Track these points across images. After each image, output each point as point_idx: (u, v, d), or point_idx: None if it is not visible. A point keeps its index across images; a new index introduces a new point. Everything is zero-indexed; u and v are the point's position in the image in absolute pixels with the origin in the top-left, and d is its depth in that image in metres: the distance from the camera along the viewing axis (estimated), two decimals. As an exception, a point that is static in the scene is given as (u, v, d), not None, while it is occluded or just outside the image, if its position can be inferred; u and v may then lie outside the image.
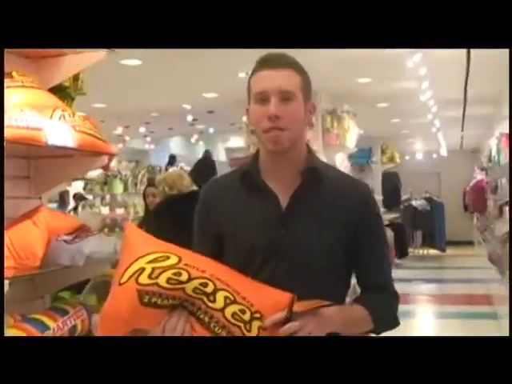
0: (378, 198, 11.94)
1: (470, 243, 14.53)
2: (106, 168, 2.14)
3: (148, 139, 12.84)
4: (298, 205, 1.66)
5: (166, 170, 8.24)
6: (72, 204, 8.90)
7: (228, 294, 1.42)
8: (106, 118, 8.40)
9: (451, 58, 5.86)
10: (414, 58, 5.77)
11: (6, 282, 1.70)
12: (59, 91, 2.29)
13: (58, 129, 1.81)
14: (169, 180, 4.07)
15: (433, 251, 14.25)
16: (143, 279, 1.38)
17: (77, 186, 7.98)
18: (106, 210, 7.36)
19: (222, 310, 1.41)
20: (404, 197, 14.41)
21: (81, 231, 2.04)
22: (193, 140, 12.56)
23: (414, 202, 14.47)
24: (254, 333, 1.42)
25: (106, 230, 4.71)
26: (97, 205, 7.47)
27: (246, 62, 1.74)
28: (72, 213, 7.83)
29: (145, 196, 5.00)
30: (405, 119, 10.76)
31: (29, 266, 1.87)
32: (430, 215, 14.19)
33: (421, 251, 14.39)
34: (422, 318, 7.75)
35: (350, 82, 7.22)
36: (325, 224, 1.65)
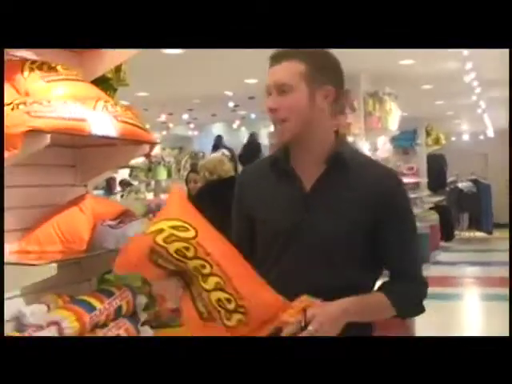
0: (424, 180, 11.84)
1: (517, 225, 14.29)
2: (147, 156, 2.23)
3: (191, 126, 13.01)
4: (320, 190, 1.69)
5: (215, 151, 8.40)
6: (118, 190, 9.12)
7: (220, 281, 1.51)
8: (149, 106, 8.57)
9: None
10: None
11: (55, 265, 1.79)
12: (102, 82, 2.38)
13: (101, 119, 1.90)
14: (209, 166, 4.16)
15: (479, 234, 14.06)
16: (159, 239, 1.52)
17: (123, 173, 8.18)
18: (150, 196, 7.54)
19: (210, 292, 1.51)
20: (450, 179, 14.22)
21: (125, 216, 2.13)
22: (235, 126, 12.67)
23: (459, 185, 14.27)
24: (231, 323, 1.51)
25: (151, 215, 4.84)
26: (142, 190, 7.64)
27: (284, 47, 1.79)
28: (118, 198, 8.03)
29: (187, 182, 5.11)
30: (449, 101, 10.61)
31: (76, 249, 1.96)
32: (476, 197, 13.99)
33: (467, 234, 14.20)
34: (467, 301, 7.69)
35: (391, 64, 7.16)
36: (346, 210, 1.67)
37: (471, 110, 11.34)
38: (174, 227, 1.53)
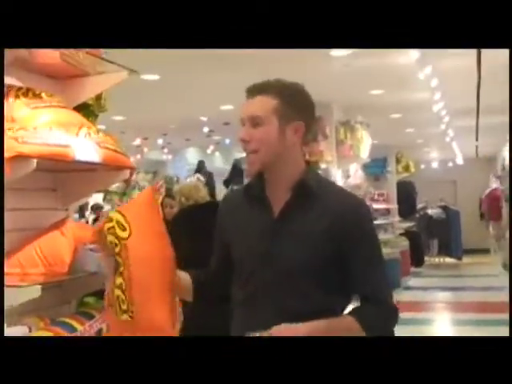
0: (394, 206, 12.03)
1: (486, 251, 14.51)
2: (127, 181, 2.30)
3: (165, 150, 13.04)
4: (287, 217, 1.76)
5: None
6: (90, 214, 9.07)
7: (123, 283, 1.67)
8: (125, 130, 8.61)
9: (462, 68, 5.96)
10: (425, 70, 5.88)
11: (39, 287, 1.84)
12: (83, 109, 2.44)
13: (84, 146, 1.96)
14: (185, 191, 4.21)
15: (449, 259, 14.25)
16: (105, 226, 1.70)
17: (96, 197, 8.17)
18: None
19: (115, 287, 1.69)
20: (419, 205, 14.44)
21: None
22: (209, 151, 12.73)
23: (429, 211, 14.49)
24: (120, 319, 1.68)
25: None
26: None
27: (261, 75, 1.87)
28: (90, 222, 8.01)
29: (162, 206, 5.14)
30: (419, 129, 10.84)
31: (58, 272, 2.00)
32: (445, 223, 14.19)
33: (437, 259, 14.39)
34: (439, 326, 7.80)
35: (362, 94, 7.34)
36: (310, 236, 1.73)
37: (440, 138, 11.59)
38: (117, 222, 1.69)
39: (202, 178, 7.62)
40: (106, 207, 8.62)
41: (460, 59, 5.67)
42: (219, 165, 14.10)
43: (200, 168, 9.62)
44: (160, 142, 11.77)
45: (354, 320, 1.71)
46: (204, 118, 9.05)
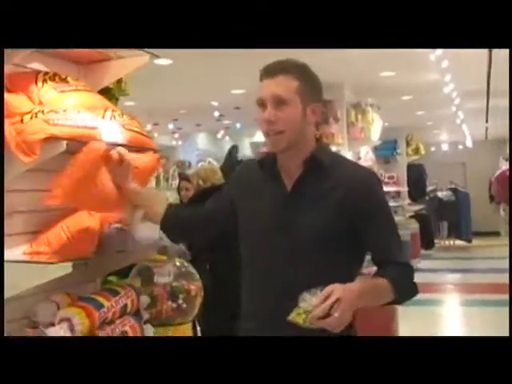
0: (404, 189, 12.05)
1: (496, 233, 14.52)
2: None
3: (176, 135, 13.10)
4: (299, 191, 1.84)
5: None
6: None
7: None
8: (135, 115, 8.67)
9: (473, 50, 5.96)
10: (436, 52, 5.89)
11: (69, 264, 1.90)
12: (105, 93, 2.50)
13: (110, 128, 2.02)
14: (202, 174, 4.28)
15: (459, 242, 14.28)
16: None
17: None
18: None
19: None
20: (429, 188, 14.45)
21: (129, 219, 2.26)
22: (219, 135, 12.78)
23: (439, 193, 14.50)
24: None
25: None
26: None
27: (272, 58, 1.90)
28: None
29: (179, 190, 5.23)
30: (429, 111, 10.83)
31: (85, 250, 2.07)
32: (455, 206, 14.22)
33: (447, 242, 14.42)
34: (449, 307, 7.87)
35: (373, 76, 7.35)
36: (323, 210, 1.79)
37: (450, 120, 11.58)
38: None
39: (213, 162, 7.69)
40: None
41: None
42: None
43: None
44: (170, 127, 11.82)
45: (387, 282, 1.76)
46: (215, 103, 9.08)
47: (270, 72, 1.79)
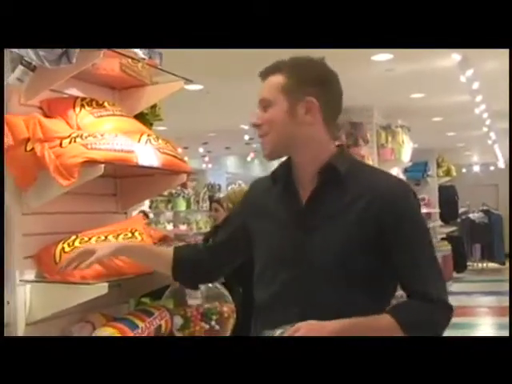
0: (436, 211, 11.93)
1: (530, 256, 14.26)
2: (184, 185, 2.41)
3: (206, 159, 13.22)
4: (314, 205, 1.61)
5: (238, 182, 8.56)
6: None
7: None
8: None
9: (504, 70, 5.93)
10: (467, 73, 5.88)
11: (106, 284, 1.94)
12: (139, 117, 2.55)
13: (146, 151, 2.07)
14: (232, 197, 4.32)
15: (492, 264, 14.06)
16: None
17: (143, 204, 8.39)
18: (170, 227, 7.73)
19: None
20: (461, 210, 14.29)
21: (165, 241, 2.30)
22: (249, 158, 12.86)
23: (471, 215, 14.33)
24: None
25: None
26: (161, 221, 7.82)
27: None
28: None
29: (211, 210, 5.33)
30: (460, 132, 10.77)
31: (123, 271, 2.10)
32: (488, 228, 14.02)
33: (480, 265, 14.21)
34: (482, 330, 7.72)
35: (403, 98, 7.35)
36: (341, 224, 1.56)
37: (482, 141, 11.48)
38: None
39: (243, 185, 7.74)
40: (151, 215, 8.82)
41: (502, 61, 5.66)
42: (258, 173, 14.20)
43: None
44: (201, 150, 11.93)
45: (390, 317, 1.51)
46: (244, 126, 9.16)
47: (262, 75, 1.67)
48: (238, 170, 14.32)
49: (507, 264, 13.87)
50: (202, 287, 2.66)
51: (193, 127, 8.90)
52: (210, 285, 2.72)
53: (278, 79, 1.61)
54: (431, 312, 1.54)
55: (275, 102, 1.61)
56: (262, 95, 1.64)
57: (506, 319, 8.14)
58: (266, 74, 1.65)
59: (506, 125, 9.52)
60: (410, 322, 1.51)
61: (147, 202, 7.95)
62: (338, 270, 1.56)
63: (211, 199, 5.94)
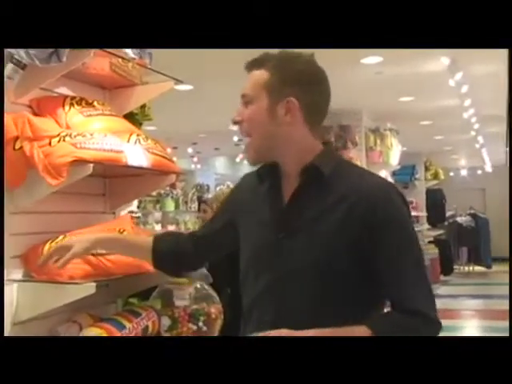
0: (422, 214, 11.99)
1: (516, 260, 14.37)
2: (173, 185, 2.40)
3: (195, 159, 13.21)
4: (295, 206, 1.53)
5: (226, 183, 8.57)
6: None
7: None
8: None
9: (493, 74, 5.98)
10: (456, 77, 5.92)
11: (93, 284, 1.93)
12: (129, 117, 2.55)
13: (135, 151, 2.06)
14: (221, 198, 4.32)
15: (478, 268, 14.14)
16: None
17: (131, 204, 8.37)
18: (158, 227, 7.71)
19: None
20: (449, 213, 14.37)
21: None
22: (238, 160, 12.87)
23: (458, 219, 14.41)
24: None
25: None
26: (150, 222, 7.80)
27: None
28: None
29: (199, 211, 5.35)
30: (448, 136, 10.83)
31: (110, 272, 2.09)
32: (475, 231, 14.11)
33: (466, 268, 14.29)
34: (468, 333, 7.77)
35: (392, 101, 7.39)
36: (322, 228, 1.46)
37: (469, 145, 11.55)
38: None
39: (231, 186, 7.75)
40: (139, 215, 8.79)
41: (491, 65, 5.71)
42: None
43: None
44: (189, 150, 11.92)
45: (367, 328, 1.38)
46: (234, 128, 9.15)
47: (247, 67, 1.58)
48: (226, 170, 14.32)
49: (493, 268, 13.98)
50: (190, 289, 2.66)
51: (182, 127, 8.90)
52: (198, 286, 2.72)
53: (261, 75, 1.53)
54: (414, 327, 1.42)
55: (256, 98, 1.53)
56: (244, 90, 1.56)
57: (492, 322, 8.21)
58: (251, 66, 1.57)
59: (494, 129, 9.59)
60: (385, 333, 1.39)
61: (135, 202, 7.95)
62: (313, 275, 1.46)
63: (200, 200, 5.95)
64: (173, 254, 1.84)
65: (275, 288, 1.52)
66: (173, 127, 8.79)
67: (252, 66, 1.57)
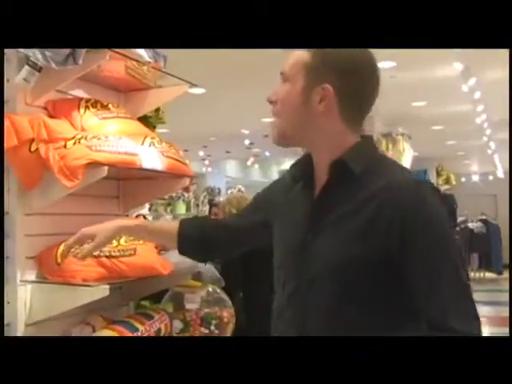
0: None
1: (527, 266, 14.29)
2: (187, 189, 2.39)
3: (206, 162, 13.24)
4: (323, 204, 1.41)
5: (238, 187, 8.53)
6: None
7: None
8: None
9: (506, 80, 5.95)
10: (469, 82, 5.90)
11: (107, 287, 1.94)
12: (143, 120, 2.56)
13: (150, 154, 2.07)
14: (234, 203, 4.32)
15: (489, 274, 14.07)
16: None
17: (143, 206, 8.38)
18: (169, 230, 7.72)
19: None
20: (460, 219, 14.30)
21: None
22: (248, 163, 12.89)
23: (470, 225, 14.34)
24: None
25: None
26: (161, 225, 7.82)
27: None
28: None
29: (210, 214, 5.33)
30: (460, 141, 10.81)
31: (125, 275, 2.09)
32: (486, 238, 14.03)
33: (477, 274, 14.21)
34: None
35: (404, 106, 7.38)
36: (348, 228, 1.34)
37: (481, 151, 11.52)
38: None
39: (242, 189, 7.75)
40: (150, 218, 8.80)
41: (504, 71, 5.68)
42: (257, 178, 14.23)
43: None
44: (201, 153, 11.96)
45: None
46: (245, 131, 9.18)
47: None
48: (237, 174, 14.33)
49: (505, 274, 13.89)
50: (202, 292, 2.66)
51: (193, 130, 8.92)
52: (210, 289, 2.73)
53: (302, 54, 1.41)
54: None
55: (292, 77, 1.42)
56: (283, 68, 1.45)
57: (504, 329, 8.14)
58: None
59: (506, 135, 9.54)
60: None
61: (147, 205, 7.96)
62: (333, 284, 1.36)
63: (211, 203, 5.95)
64: (200, 241, 1.75)
65: (304, 289, 1.41)
66: (184, 130, 8.83)
67: None
